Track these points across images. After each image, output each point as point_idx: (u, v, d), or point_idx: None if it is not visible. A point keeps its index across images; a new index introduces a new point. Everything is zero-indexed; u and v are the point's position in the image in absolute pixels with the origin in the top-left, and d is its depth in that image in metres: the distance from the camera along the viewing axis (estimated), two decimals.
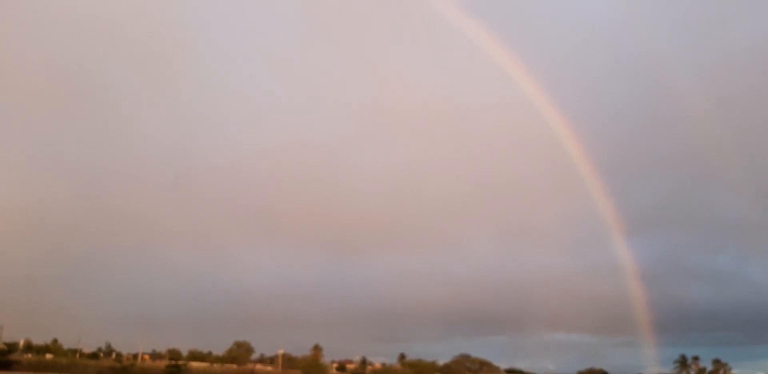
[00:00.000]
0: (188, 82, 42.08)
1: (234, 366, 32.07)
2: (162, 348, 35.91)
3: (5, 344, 26.98)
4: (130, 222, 41.39)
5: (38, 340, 32.07)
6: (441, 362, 35.14)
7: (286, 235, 45.15)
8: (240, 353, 35.71)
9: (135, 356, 32.08)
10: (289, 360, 34.75)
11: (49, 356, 29.16)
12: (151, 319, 38.16)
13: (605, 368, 37.35)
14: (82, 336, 32.67)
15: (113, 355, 31.35)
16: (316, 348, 35.68)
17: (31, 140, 38.84)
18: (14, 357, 25.60)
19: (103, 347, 34.16)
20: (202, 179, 42.33)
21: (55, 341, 32.52)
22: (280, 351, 35.17)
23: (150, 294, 40.32)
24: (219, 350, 35.96)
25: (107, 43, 38.76)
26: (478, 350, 43.78)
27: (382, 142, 45.32)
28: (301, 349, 36.53)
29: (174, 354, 32.52)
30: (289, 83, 42.96)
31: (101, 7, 37.76)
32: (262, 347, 37.91)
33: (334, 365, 37.86)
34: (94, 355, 31.73)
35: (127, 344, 34.02)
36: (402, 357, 38.11)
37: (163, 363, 27.41)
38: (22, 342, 30.88)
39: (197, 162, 42.02)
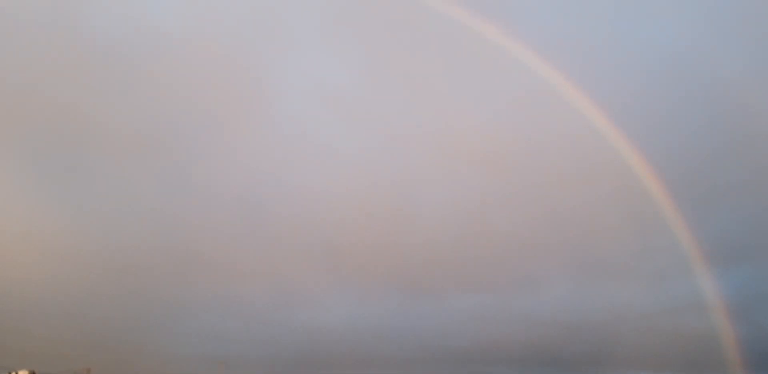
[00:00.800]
0: (260, 131, 43.49)
1: None
2: None
3: None
4: (206, 266, 42.63)
5: None
6: None
7: (358, 275, 45.24)
8: None
9: None
10: None
11: None
12: (226, 359, 38.82)
13: None
14: None
15: None
16: None
17: (116, 190, 41.03)
18: None
19: None
20: (275, 222, 43.34)
21: None
22: None
23: (225, 334, 41.12)
24: None
25: (184, 97, 40.98)
26: None
27: (449, 178, 45.23)
28: None
29: None
30: (355, 124, 43.90)
31: (176, 62, 40.19)
32: None
33: None
34: None
35: None
36: None
37: None
38: None
39: (271, 205, 43.16)
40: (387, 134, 43.98)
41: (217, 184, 42.06)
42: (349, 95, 43.89)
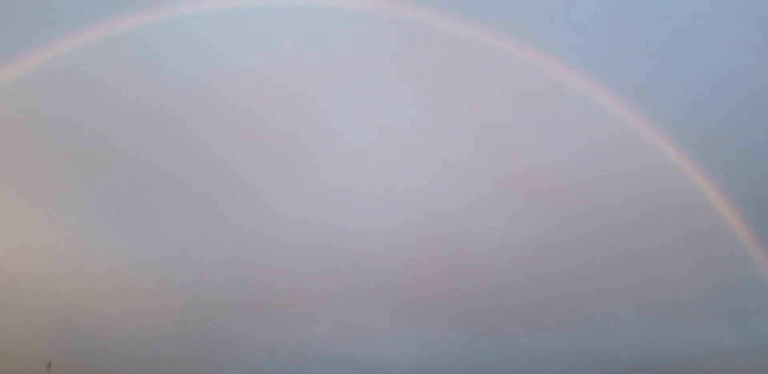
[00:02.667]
0: (322, 172, 44.42)
1: None
2: None
3: None
4: (273, 306, 43.08)
5: None
6: None
7: (420, 314, 44.86)
8: None
9: None
10: None
11: None
12: None
13: None
14: None
15: None
16: None
17: (190, 234, 42.44)
18: None
19: None
20: (340, 262, 43.71)
21: None
22: None
23: (289, 373, 41.19)
24: None
25: (249, 141, 42.57)
26: None
27: (509, 214, 44.96)
28: None
29: None
30: (415, 161, 44.40)
31: (241, 107, 42.00)
32: None
33: None
34: None
35: None
36: None
37: None
38: None
39: (335, 246, 43.67)
40: (446, 171, 44.35)
41: (283, 226, 43.02)
42: (407, 132, 44.67)
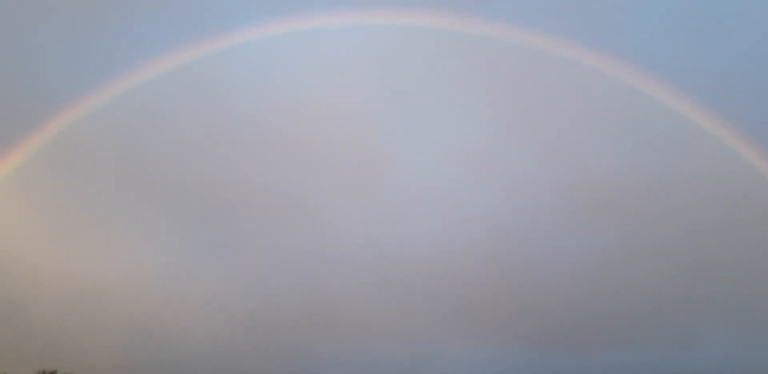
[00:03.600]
0: (390, 189, 44.65)
1: None
2: None
3: None
4: (342, 322, 43.52)
5: None
6: None
7: (492, 330, 43.98)
8: None
9: None
10: None
11: None
12: None
13: None
14: None
15: None
16: None
17: (260, 251, 43.54)
18: None
19: None
20: (410, 279, 43.68)
21: None
22: None
23: None
24: None
25: (316, 159, 43.40)
26: None
27: (582, 227, 43.64)
28: None
29: None
30: (484, 178, 43.92)
31: (306, 126, 42.90)
32: None
33: None
34: None
35: None
36: None
37: None
38: None
39: (405, 262, 43.69)
40: (514, 186, 43.64)
41: (352, 245, 43.53)
42: (473, 148, 44.35)
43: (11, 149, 32.94)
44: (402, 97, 43.34)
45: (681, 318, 43.15)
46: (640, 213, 41.55)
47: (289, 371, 41.94)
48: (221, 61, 38.74)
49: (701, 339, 42.65)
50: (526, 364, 43.63)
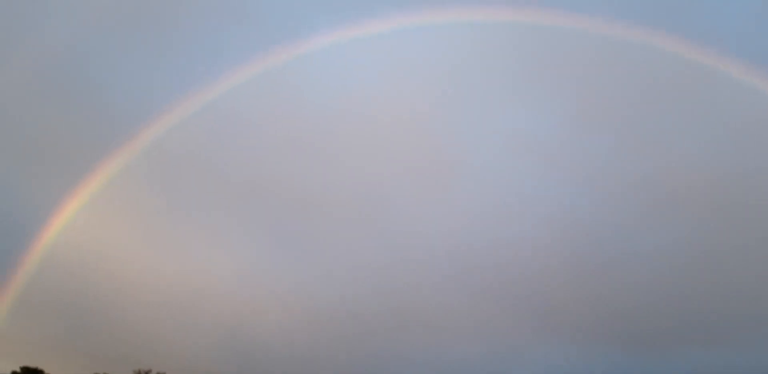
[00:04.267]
0: (462, 187, 44.63)
1: None
2: None
3: None
4: (418, 320, 43.69)
5: None
6: None
7: (573, 330, 43.07)
8: None
9: None
10: None
11: None
12: None
13: None
14: None
15: None
16: None
17: (337, 252, 44.41)
18: None
19: None
20: (484, 276, 43.43)
21: None
22: None
23: None
24: None
25: (390, 160, 43.93)
26: None
27: (664, 220, 42.10)
28: None
29: None
30: (556, 172, 43.34)
31: (377, 128, 43.49)
32: None
33: None
34: None
35: None
36: None
37: None
38: None
39: (478, 259, 43.51)
40: (590, 179, 42.75)
41: (427, 244, 43.79)
42: (545, 141, 43.80)
43: (105, 159, 34.89)
44: (473, 94, 43.37)
45: None
46: (725, 206, 39.97)
47: (369, 367, 42.44)
48: (296, 69, 39.91)
49: None
50: (609, 365, 42.39)
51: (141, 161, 36.06)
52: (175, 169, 40.67)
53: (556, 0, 37.22)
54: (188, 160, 40.68)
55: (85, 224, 35.74)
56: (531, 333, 44.99)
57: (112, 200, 36.60)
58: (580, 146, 41.24)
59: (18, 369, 31.87)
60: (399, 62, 41.01)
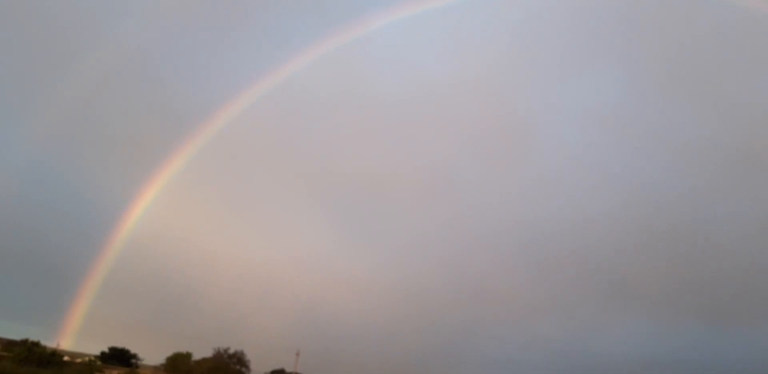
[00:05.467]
0: (534, 163, 43.53)
1: None
2: None
3: None
4: (494, 297, 43.69)
5: None
6: None
7: (651, 303, 42.22)
8: None
9: None
10: None
11: None
12: None
13: None
14: None
15: None
16: None
17: (408, 233, 44.49)
18: None
19: None
20: (558, 253, 42.82)
21: None
22: None
23: (518, 367, 41.23)
24: None
25: (458, 140, 43.28)
26: None
27: (748, 191, 40.10)
28: None
29: None
30: (628, 143, 41.92)
31: (444, 110, 42.81)
32: None
33: None
34: None
35: None
36: None
37: None
38: None
39: (552, 237, 42.83)
40: (669, 150, 40.97)
41: (498, 220, 43.36)
42: (620, 113, 42.16)
43: (179, 147, 35.53)
44: (538, 65, 42.10)
45: None
46: None
47: (445, 344, 42.82)
48: (359, 48, 39.51)
49: None
50: (690, 339, 41.26)
51: (212, 148, 36.63)
52: (247, 154, 41.30)
53: None
54: (258, 146, 41.25)
55: (163, 211, 36.75)
56: (606, 309, 44.20)
57: (187, 187, 37.48)
58: (658, 115, 39.71)
59: (107, 350, 33.65)
60: (463, 36, 40.15)
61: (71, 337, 30.24)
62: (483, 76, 40.26)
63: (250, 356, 32.21)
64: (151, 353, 36.63)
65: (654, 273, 40.78)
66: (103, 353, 33.51)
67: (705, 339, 41.31)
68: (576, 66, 42.10)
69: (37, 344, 22.10)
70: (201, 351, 31.95)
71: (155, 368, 31.40)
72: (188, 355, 29.97)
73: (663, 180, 40.82)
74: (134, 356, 33.60)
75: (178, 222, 38.78)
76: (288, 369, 33.61)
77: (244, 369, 31.81)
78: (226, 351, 32.18)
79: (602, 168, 42.34)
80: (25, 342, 23.85)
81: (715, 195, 40.11)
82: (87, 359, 27.92)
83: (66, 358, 25.13)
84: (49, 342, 26.61)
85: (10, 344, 27.21)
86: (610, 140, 43.04)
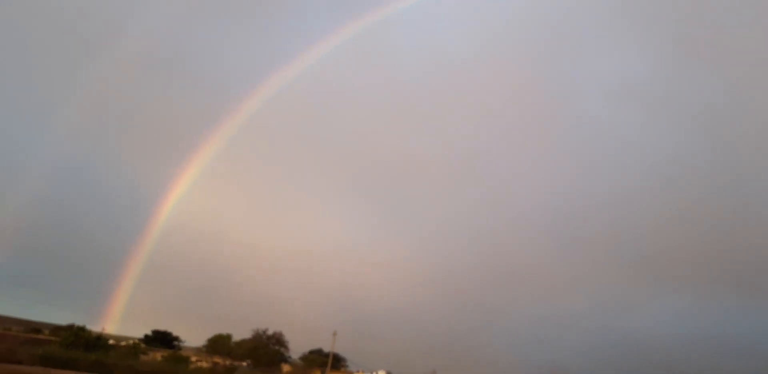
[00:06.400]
0: (560, 141, 43.46)
1: None
2: None
3: None
4: (526, 276, 43.65)
5: None
6: None
7: (684, 278, 41.68)
8: None
9: None
10: None
11: None
12: (552, 365, 39.07)
13: None
14: None
15: None
16: None
17: (438, 216, 44.65)
18: None
19: None
20: (588, 231, 42.49)
21: None
22: None
23: (550, 345, 41.38)
24: None
25: (486, 121, 42.89)
26: None
27: None
28: None
29: None
30: (660, 119, 41.17)
31: (471, 89, 42.38)
32: None
33: None
34: None
35: None
36: None
37: None
38: None
39: (580, 214, 42.54)
40: (707, 125, 40.07)
41: (525, 199, 43.14)
42: (648, 86, 41.40)
43: (210, 136, 35.98)
44: (568, 41, 41.32)
45: None
46: None
47: (479, 324, 43.12)
48: (384, 30, 39.28)
49: None
50: (725, 315, 40.75)
51: (245, 134, 37.03)
52: (281, 139, 41.70)
53: None
54: (288, 133, 41.61)
55: (200, 195, 37.48)
56: (638, 285, 43.89)
57: (222, 172, 38.09)
58: (688, 88, 38.72)
59: (150, 333, 34.71)
60: (490, 15, 39.55)
61: (115, 322, 31.25)
62: (513, 57, 39.87)
63: (289, 337, 32.82)
64: (193, 335, 37.70)
65: (687, 248, 40.23)
66: (146, 336, 34.64)
67: (740, 314, 40.81)
68: (610, 41, 41.28)
69: (83, 329, 22.78)
70: (241, 333, 32.84)
71: (197, 349, 32.23)
72: (228, 337, 30.67)
73: (701, 156, 40.01)
74: (176, 338, 34.61)
75: (214, 205, 39.58)
76: (325, 349, 34.24)
77: (282, 350, 32.44)
78: (264, 332, 32.77)
79: (632, 144, 41.66)
80: (71, 327, 24.69)
81: (751, 165, 39.18)
82: (131, 342, 28.96)
83: (111, 342, 25.94)
84: (95, 327, 27.73)
85: (57, 329, 28.37)
86: (647, 120, 42.25)
